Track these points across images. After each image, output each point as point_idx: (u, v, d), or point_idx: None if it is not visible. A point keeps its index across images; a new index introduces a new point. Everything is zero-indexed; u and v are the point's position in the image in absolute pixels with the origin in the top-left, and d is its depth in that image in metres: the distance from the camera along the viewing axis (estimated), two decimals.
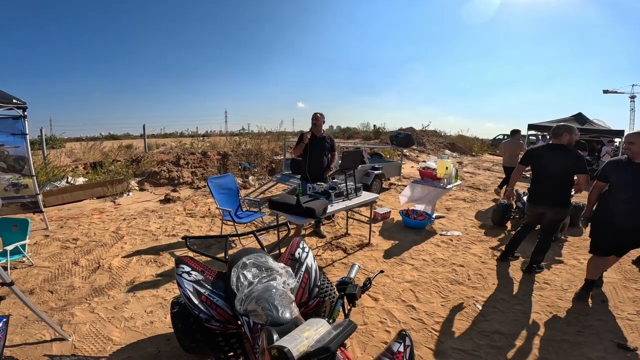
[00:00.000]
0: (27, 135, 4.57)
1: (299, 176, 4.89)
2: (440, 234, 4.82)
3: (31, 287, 3.19)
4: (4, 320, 1.55)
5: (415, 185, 5.61)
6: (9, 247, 3.29)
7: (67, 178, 7.40)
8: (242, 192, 7.35)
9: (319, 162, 4.29)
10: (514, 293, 3.15)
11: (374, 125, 24.55)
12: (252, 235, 2.38)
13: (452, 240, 4.57)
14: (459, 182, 6.02)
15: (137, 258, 3.91)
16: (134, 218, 5.63)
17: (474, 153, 17.35)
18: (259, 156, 9.37)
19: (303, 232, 4.79)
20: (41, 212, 4.93)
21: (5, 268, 3.38)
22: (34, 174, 4.74)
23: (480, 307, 2.87)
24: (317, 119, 4.25)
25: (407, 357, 1.19)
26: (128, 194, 7.26)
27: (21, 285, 3.24)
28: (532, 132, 11.95)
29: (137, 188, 7.72)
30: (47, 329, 2.45)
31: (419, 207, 5.53)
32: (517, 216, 5.30)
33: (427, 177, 5.64)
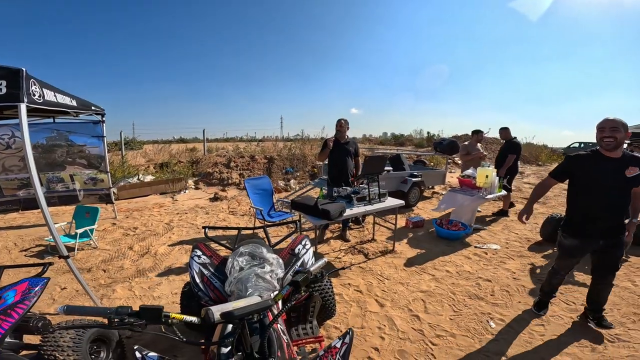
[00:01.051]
0: (105, 138, 5.46)
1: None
2: (475, 247, 4.57)
3: (90, 265, 3.83)
4: (44, 282, 1.95)
5: (453, 193, 5.40)
6: (79, 230, 4.00)
7: (139, 175, 8.53)
8: (283, 195, 7.74)
9: (343, 166, 4.41)
10: (541, 314, 2.91)
11: (428, 132, 23.69)
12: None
13: (486, 254, 4.31)
14: (502, 192, 5.64)
15: (179, 247, 4.43)
16: (186, 213, 6.31)
17: (540, 162, 15.75)
18: (303, 161, 9.74)
19: (330, 234, 4.93)
20: (112, 203, 5.81)
21: (73, 248, 4.12)
22: (108, 171, 5.63)
23: (493, 325, 2.71)
24: (341, 125, 4.39)
25: (341, 354, 1.26)
26: (185, 192, 8.12)
27: (82, 264, 3.89)
28: None
29: (193, 187, 8.58)
30: (90, 302, 2.95)
31: (455, 216, 5.31)
32: None
33: (466, 185, 5.40)
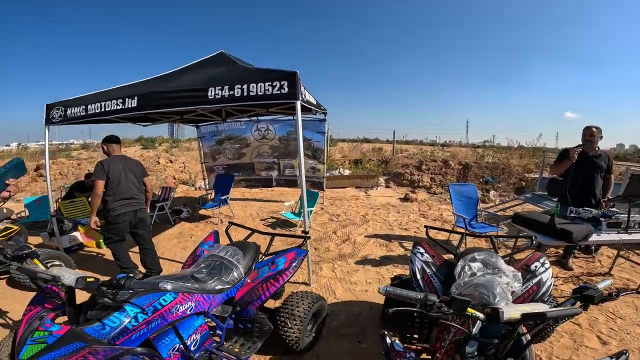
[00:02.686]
0: (325, 134, 6.50)
1: (556, 198, 4.17)
2: None
3: None
4: (305, 253, 2.29)
5: None
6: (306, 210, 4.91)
7: (339, 169, 9.80)
8: (480, 205, 7.02)
9: (588, 183, 3.49)
10: None
11: None
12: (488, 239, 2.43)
13: None
14: None
15: (374, 240, 4.78)
16: (378, 208, 6.73)
17: None
18: (506, 171, 8.50)
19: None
20: (323, 190, 6.88)
21: (295, 225, 5.09)
22: (325, 163, 6.71)
23: None
24: (591, 134, 3.46)
25: None
26: (377, 188, 8.69)
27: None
28: None
29: (383, 185, 9.08)
30: (302, 274, 3.47)
31: None
32: None
33: None
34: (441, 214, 6.29)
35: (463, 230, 3.16)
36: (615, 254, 3.76)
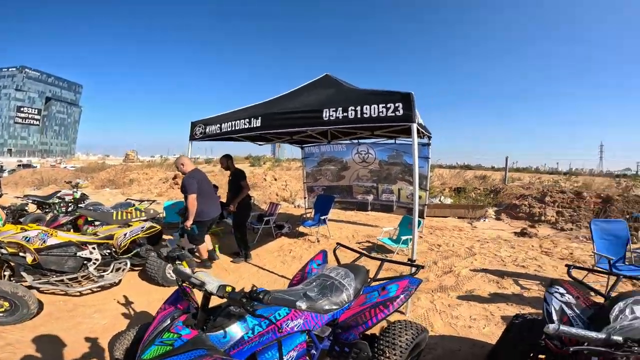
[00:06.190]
0: (429, 159, 6.25)
1: None
2: None
3: (403, 270, 4.24)
4: (419, 282, 2.19)
5: None
6: (403, 237, 4.70)
7: (440, 197, 9.23)
8: (631, 245, 5.66)
9: None
10: None
11: None
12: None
13: None
14: None
15: (481, 275, 4.28)
16: (487, 242, 6.03)
17: None
18: None
19: None
20: (423, 218, 6.54)
21: (392, 251, 4.85)
22: (427, 189, 6.42)
23: None
24: None
25: None
26: (485, 220, 7.84)
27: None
28: None
29: (493, 216, 8.14)
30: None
31: None
32: None
33: None
34: (571, 253, 5.28)
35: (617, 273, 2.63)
36: None
